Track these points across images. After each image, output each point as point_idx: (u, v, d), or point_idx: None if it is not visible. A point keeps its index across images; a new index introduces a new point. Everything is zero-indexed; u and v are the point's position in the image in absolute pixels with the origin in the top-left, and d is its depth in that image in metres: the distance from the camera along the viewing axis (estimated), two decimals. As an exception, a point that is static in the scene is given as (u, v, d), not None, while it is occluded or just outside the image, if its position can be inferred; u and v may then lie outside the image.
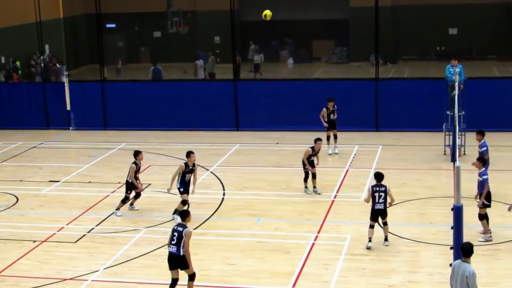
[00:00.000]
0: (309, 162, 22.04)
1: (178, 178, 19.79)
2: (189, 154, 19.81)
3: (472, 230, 18.03)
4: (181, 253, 14.56)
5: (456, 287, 12.26)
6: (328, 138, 26.57)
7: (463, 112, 25.56)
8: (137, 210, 21.07)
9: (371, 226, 17.82)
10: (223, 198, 22.17)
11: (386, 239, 18.01)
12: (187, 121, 31.76)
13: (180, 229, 14.62)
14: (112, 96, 32.70)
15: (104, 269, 17.07)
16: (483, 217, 18.00)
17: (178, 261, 14.68)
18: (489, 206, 17.98)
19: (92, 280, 16.49)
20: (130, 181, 20.54)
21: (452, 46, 42.47)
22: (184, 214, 15.03)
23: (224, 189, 22.97)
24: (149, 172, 24.97)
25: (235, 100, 31.60)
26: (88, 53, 44.29)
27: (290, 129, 30.69)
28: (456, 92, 23.66)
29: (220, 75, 37.98)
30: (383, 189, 17.73)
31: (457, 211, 11.61)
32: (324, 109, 26.40)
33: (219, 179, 24.08)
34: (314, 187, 22.26)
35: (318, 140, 22.20)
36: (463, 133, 25.82)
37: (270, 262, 17.27)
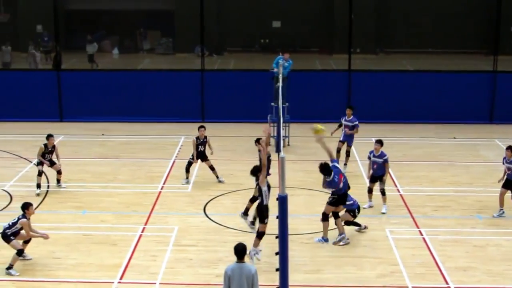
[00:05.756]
0: (198, 153, 22.14)
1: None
2: (48, 137, 21.54)
3: (296, 219, 18.53)
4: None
5: None
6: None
7: (287, 104, 26.14)
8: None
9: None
10: (47, 191, 21.59)
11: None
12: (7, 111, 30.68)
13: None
14: None
15: None
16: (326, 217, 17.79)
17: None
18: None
19: None
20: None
21: (275, 38, 43.32)
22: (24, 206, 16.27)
23: (48, 182, 22.33)
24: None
25: (59, 91, 30.81)
26: None
27: (116, 120, 30.29)
28: (280, 84, 24.17)
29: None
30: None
31: (282, 201, 11.84)
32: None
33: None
34: (217, 176, 22.39)
35: (201, 127, 22.25)
36: (287, 125, 26.42)
37: (97, 255, 16.99)
